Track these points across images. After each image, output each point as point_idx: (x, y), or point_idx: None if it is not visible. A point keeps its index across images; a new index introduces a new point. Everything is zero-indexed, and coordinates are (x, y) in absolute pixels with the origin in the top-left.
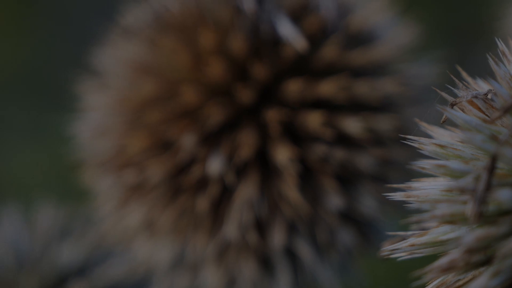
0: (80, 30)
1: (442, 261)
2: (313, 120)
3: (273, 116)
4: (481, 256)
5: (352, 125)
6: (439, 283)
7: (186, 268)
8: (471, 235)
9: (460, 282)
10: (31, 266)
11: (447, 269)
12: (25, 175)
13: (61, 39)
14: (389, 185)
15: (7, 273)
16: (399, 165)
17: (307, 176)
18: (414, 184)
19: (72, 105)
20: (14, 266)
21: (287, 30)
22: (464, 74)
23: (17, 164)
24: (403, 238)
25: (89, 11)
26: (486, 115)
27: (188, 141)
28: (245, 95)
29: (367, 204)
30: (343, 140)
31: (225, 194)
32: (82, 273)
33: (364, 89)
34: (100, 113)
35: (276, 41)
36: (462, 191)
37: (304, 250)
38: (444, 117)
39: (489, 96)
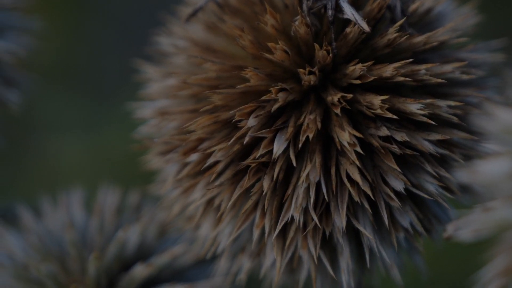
0: (138, 19)
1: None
2: (375, 101)
3: (336, 97)
4: None
5: (414, 106)
6: None
7: (249, 249)
8: None
9: None
10: (97, 250)
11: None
12: (89, 164)
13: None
14: (452, 167)
15: (75, 257)
16: (462, 147)
17: (369, 157)
18: (478, 165)
19: (136, 92)
20: (81, 250)
21: (350, 13)
22: None
23: (81, 154)
24: (467, 219)
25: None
26: None
27: (252, 123)
28: (308, 77)
29: (429, 185)
30: (405, 121)
31: (289, 175)
32: (148, 256)
33: (426, 71)
34: (164, 99)
35: (339, 24)
36: None
37: (366, 230)
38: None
39: None
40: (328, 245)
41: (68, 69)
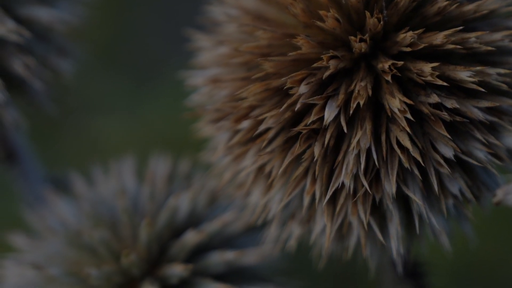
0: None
1: None
2: (426, 68)
3: (386, 65)
4: None
5: (464, 74)
6: None
7: (299, 216)
8: None
9: None
10: (149, 217)
11: None
12: (135, 141)
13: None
14: (501, 134)
15: (126, 224)
16: (511, 114)
17: (419, 124)
18: None
19: (181, 70)
20: (132, 217)
21: None
22: None
23: (127, 132)
24: None
25: None
26: None
27: (303, 90)
28: (359, 44)
29: (478, 152)
30: (455, 88)
31: (339, 141)
32: (198, 223)
33: (476, 39)
34: (215, 67)
35: None
36: None
37: (416, 196)
38: None
39: None
40: (377, 211)
41: (112, 50)
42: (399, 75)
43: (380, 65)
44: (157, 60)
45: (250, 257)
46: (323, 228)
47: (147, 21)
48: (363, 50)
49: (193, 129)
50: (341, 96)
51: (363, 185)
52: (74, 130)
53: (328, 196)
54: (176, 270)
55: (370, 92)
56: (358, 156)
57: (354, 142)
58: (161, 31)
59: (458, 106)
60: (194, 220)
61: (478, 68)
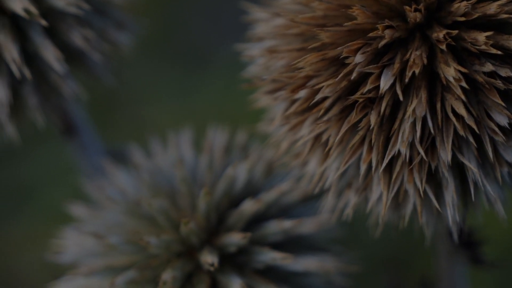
0: None
1: None
2: (480, 38)
3: (441, 34)
4: None
5: None
6: None
7: (355, 185)
8: None
9: None
10: (208, 187)
11: None
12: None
13: None
14: None
15: (185, 194)
16: None
17: (474, 93)
18: None
19: (243, 35)
20: (191, 186)
21: None
22: None
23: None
24: None
25: None
26: None
27: (359, 59)
28: (414, 14)
29: None
30: (508, 58)
31: (395, 110)
32: (255, 193)
33: None
34: (271, 38)
35: None
36: None
37: (471, 163)
38: None
39: None
40: (433, 179)
41: (160, 39)
42: (454, 44)
43: (435, 35)
44: (205, 47)
45: (307, 226)
46: (379, 197)
47: (195, 9)
48: (418, 20)
49: (250, 101)
50: (396, 65)
51: (418, 153)
52: (123, 120)
53: (384, 164)
54: (235, 239)
55: (425, 61)
56: (413, 124)
57: (409, 111)
58: (208, 18)
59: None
60: (251, 190)
61: None
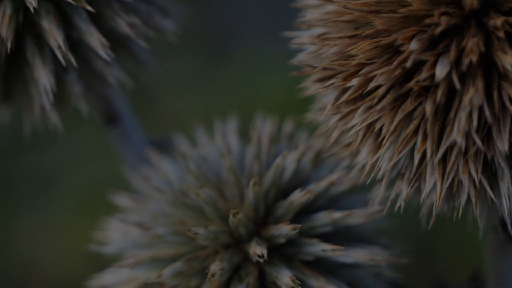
0: None
1: None
2: None
3: (498, 21)
4: None
5: None
6: None
7: (408, 175)
8: None
9: None
10: (256, 178)
11: None
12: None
13: None
14: None
15: (232, 184)
16: None
17: None
18: None
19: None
20: (239, 176)
21: None
22: None
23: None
24: None
25: None
26: None
27: (414, 46)
28: (471, 1)
29: None
30: None
31: (451, 99)
32: (304, 183)
33: None
34: (322, 25)
35: None
36: None
37: None
38: None
39: None
40: (488, 170)
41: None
42: (511, 31)
43: (491, 22)
44: (226, 38)
45: (356, 217)
46: (432, 187)
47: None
48: (474, 6)
49: (299, 89)
50: (452, 53)
51: (474, 143)
52: (148, 109)
53: (440, 154)
54: (284, 230)
55: (483, 48)
56: (470, 113)
57: (466, 100)
58: (229, 8)
59: None
60: (299, 180)
61: None
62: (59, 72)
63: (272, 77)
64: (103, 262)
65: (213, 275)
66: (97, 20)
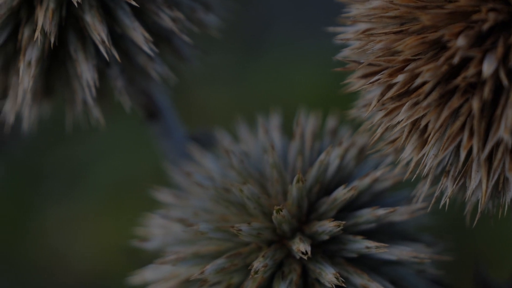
0: None
1: None
2: None
3: None
4: None
5: None
6: None
7: (453, 172)
8: None
9: None
10: (300, 174)
11: None
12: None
13: None
14: None
15: (276, 180)
16: None
17: None
18: None
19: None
20: (282, 172)
21: None
22: None
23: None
24: None
25: None
26: None
27: (461, 43)
28: None
29: None
30: None
31: (498, 95)
32: (347, 180)
33: None
34: (367, 21)
35: None
36: None
37: None
38: None
39: None
40: None
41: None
42: None
43: None
44: (257, 32)
45: (400, 214)
46: (478, 184)
47: None
48: None
49: (343, 85)
50: (499, 49)
51: None
52: (181, 102)
53: (486, 151)
54: (328, 227)
55: None
56: None
57: None
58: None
59: None
60: (342, 176)
61: None
62: (102, 66)
63: (305, 70)
64: (132, 255)
65: (256, 272)
66: (140, 14)
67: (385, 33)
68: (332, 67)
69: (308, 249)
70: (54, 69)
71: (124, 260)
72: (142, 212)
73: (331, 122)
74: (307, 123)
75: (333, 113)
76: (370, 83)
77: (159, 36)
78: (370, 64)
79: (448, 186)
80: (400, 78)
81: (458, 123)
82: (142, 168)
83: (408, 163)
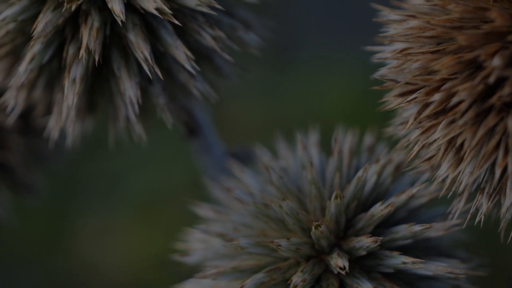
0: None
1: None
2: None
3: None
4: None
5: None
6: None
7: (488, 190)
8: None
9: None
10: (338, 190)
11: None
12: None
13: None
14: None
15: (314, 196)
16: None
17: None
18: None
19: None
20: (320, 189)
21: None
22: None
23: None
24: None
25: None
26: None
27: (496, 63)
28: None
29: None
30: None
31: None
32: (383, 196)
33: None
34: (404, 41)
35: None
36: None
37: None
38: None
39: None
40: None
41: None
42: None
43: None
44: (287, 47)
45: (436, 230)
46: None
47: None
48: None
49: (380, 103)
50: None
51: None
52: (215, 117)
53: None
54: (365, 242)
55: None
56: None
57: None
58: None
59: None
60: (379, 193)
61: None
62: (144, 84)
63: (336, 83)
64: (170, 268)
65: (295, 286)
66: (182, 33)
67: (422, 53)
68: (362, 79)
69: (346, 264)
70: (97, 86)
71: (163, 273)
72: (174, 223)
73: (368, 139)
74: (345, 140)
75: (370, 130)
76: (408, 101)
77: (200, 53)
78: (407, 83)
79: (483, 203)
80: (437, 97)
81: (493, 141)
82: (173, 179)
83: (444, 180)
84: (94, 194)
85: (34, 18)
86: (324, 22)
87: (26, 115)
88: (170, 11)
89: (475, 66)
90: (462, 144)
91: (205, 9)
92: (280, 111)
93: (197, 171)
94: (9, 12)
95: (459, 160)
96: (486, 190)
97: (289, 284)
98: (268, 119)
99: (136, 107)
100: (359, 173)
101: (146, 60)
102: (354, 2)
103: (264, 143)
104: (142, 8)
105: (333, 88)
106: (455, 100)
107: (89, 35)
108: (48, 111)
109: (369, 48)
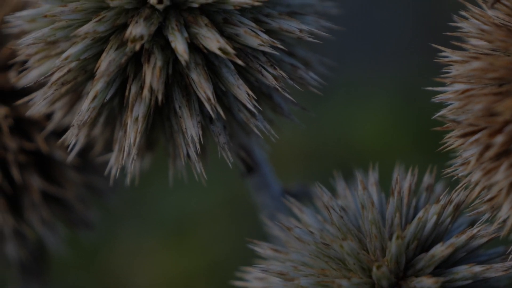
0: None
1: None
2: None
3: None
4: None
5: None
6: None
7: None
8: None
9: None
10: (399, 231)
11: None
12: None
13: None
14: None
15: (375, 236)
16: None
17: None
18: None
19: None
20: (381, 229)
21: None
22: None
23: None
24: None
25: None
26: None
27: None
28: None
29: None
30: None
31: None
32: (442, 237)
33: None
34: (465, 82)
35: None
36: None
37: None
38: None
39: None
40: None
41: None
42: None
43: None
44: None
45: (496, 271)
46: None
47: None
48: None
49: (443, 143)
50: None
51: None
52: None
53: None
54: (426, 283)
55: None
56: None
57: None
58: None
59: None
60: (438, 233)
61: None
62: (205, 122)
63: (376, 114)
64: None
65: None
66: (243, 71)
67: (485, 94)
68: (396, 111)
69: None
70: (158, 124)
71: None
72: (202, 247)
73: (427, 179)
74: (404, 180)
75: (429, 169)
76: (470, 143)
77: (260, 92)
78: (469, 124)
79: None
80: (500, 139)
81: None
82: (201, 205)
83: (505, 221)
84: (130, 219)
85: (96, 56)
86: (363, 48)
87: (84, 152)
88: (233, 51)
89: None
90: None
91: (267, 49)
92: (318, 139)
93: (227, 197)
94: (72, 50)
95: None
96: None
97: None
98: (309, 147)
99: (198, 145)
100: (420, 214)
101: (208, 99)
102: (393, 30)
103: (306, 172)
104: (205, 48)
105: (368, 115)
106: None
107: (152, 75)
108: (106, 148)
109: (429, 88)
